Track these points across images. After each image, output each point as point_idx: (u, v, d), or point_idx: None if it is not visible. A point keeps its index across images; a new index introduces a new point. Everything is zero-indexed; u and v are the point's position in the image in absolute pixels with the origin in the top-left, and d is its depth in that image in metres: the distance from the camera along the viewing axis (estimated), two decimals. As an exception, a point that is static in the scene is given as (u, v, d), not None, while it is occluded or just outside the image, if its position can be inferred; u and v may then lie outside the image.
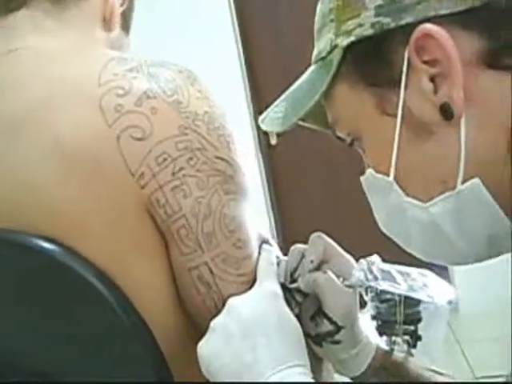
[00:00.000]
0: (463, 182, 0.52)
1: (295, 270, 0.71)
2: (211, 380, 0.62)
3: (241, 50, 3.32)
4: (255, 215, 0.72)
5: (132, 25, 0.86)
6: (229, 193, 0.66)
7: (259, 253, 0.70)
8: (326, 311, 0.70)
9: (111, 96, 0.63)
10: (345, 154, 3.09)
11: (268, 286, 0.66)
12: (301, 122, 0.66)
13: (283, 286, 0.69)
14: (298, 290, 0.70)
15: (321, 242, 0.72)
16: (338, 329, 0.70)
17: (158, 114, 0.63)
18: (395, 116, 0.54)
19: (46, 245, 0.64)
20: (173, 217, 0.64)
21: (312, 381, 0.60)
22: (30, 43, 0.69)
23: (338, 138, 0.63)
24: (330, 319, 0.70)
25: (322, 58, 0.59)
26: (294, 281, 0.71)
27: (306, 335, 0.69)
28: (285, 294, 0.68)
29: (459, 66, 0.50)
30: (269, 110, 0.66)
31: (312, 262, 0.71)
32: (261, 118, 0.67)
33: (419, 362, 0.76)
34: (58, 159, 0.63)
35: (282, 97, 0.65)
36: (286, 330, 0.63)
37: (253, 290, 0.66)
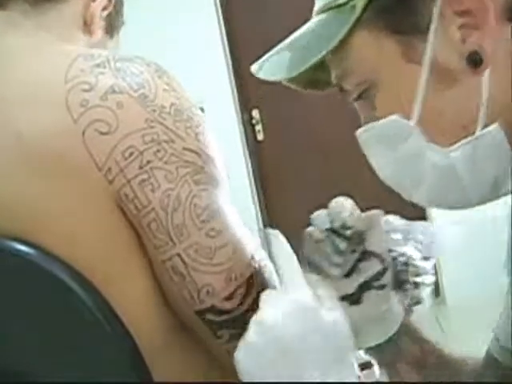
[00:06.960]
0: (483, 127, 0.55)
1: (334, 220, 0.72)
2: None
3: (227, 48, 3.32)
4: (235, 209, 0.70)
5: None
6: (199, 183, 0.65)
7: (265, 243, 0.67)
8: (373, 249, 0.71)
9: (77, 92, 0.63)
10: (327, 151, 3.11)
11: (299, 296, 0.57)
12: (288, 84, 0.65)
13: (328, 232, 0.71)
14: (342, 237, 0.71)
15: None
16: (385, 268, 0.71)
17: (124, 108, 0.63)
18: (419, 63, 0.55)
19: (23, 247, 0.63)
20: (142, 211, 0.63)
21: None
22: (4, 42, 0.69)
23: (342, 91, 0.62)
24: (378, 256, 0.71)
25: (339, 6, 0.58)
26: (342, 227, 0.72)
27: (344, 298, 0.69)
28: (328, 244, 0.71)
29: (493, 17, 0.52)
30: (263, 59, 0.64)
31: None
32: (254, 68, 0.64)
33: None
34: (21, 157, 0.62)
35: (281, 47, 0.63)
36: (330, 344, 0.54)
37: (284, 300, 0.56)
